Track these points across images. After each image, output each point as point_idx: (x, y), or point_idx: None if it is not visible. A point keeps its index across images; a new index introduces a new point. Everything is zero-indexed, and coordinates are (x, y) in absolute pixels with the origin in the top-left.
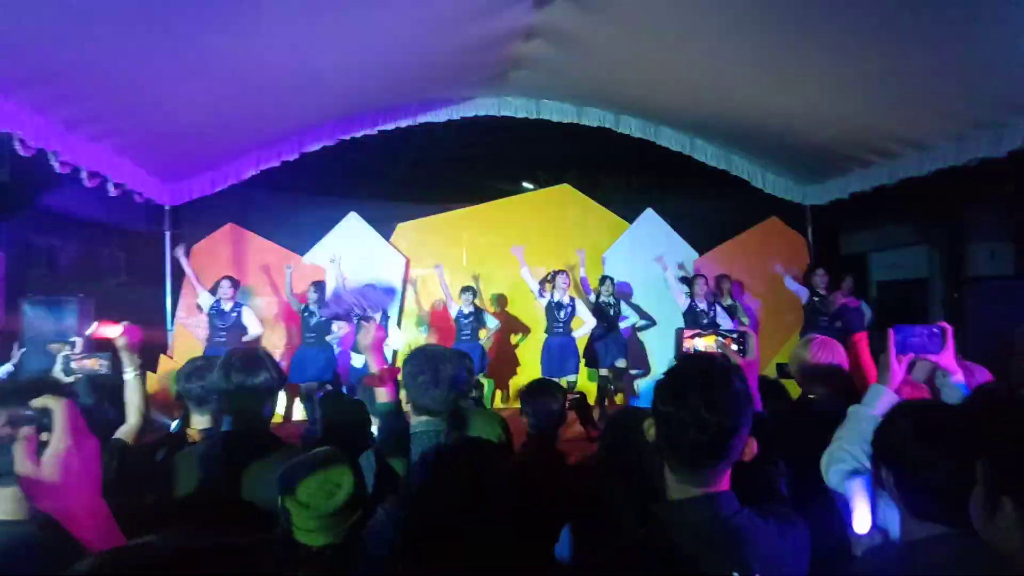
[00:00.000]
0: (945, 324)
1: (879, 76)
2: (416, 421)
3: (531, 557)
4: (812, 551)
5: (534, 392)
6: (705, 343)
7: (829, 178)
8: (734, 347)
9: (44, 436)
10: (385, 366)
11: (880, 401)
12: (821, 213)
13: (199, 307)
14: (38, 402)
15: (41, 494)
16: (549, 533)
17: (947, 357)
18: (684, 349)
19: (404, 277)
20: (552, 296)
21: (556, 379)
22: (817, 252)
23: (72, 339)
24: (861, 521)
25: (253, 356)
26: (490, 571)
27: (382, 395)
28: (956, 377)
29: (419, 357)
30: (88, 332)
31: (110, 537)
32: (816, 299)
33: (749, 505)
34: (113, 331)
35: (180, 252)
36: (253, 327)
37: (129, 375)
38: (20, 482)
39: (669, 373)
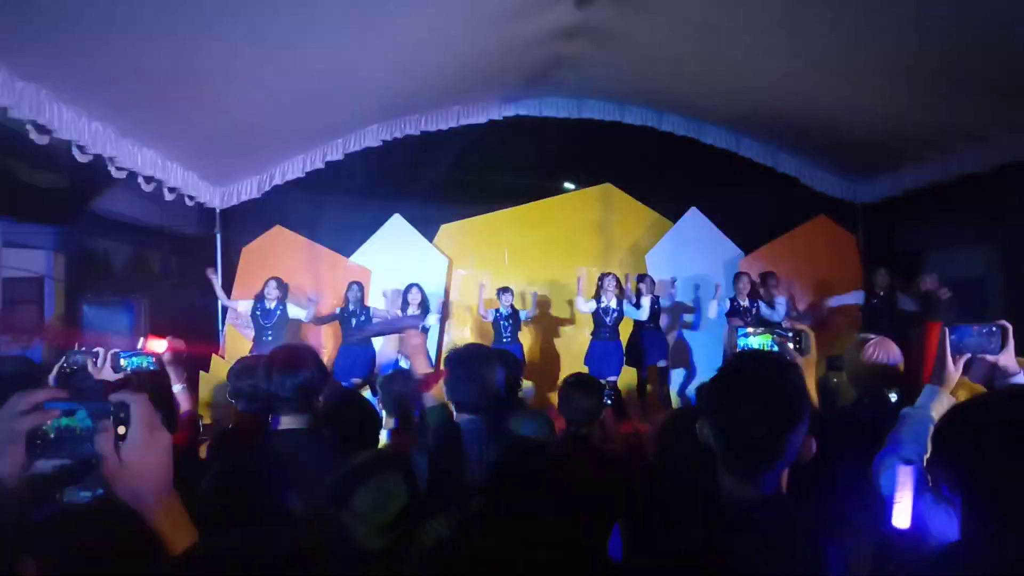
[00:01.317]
0: (1005, 323)
1: (933, 65)
2: (458, 418)
3: (575, 554)
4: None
5: (570, 388)
6: (760, 340)
7: (881, 174)
8: (790, 345)
9: (121, 429)
10: (430, 369)
11: (935, 403)
12: (872, 211)
13: (238, 312)
14: (116, 396)
15: (121, 483)
16: (589, 530)
17: (1006, 357)
18: (738, 347)
19: (447, 278)
20: (600, 300)
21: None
22: (868, 251)
23: (96, 349)
24: (902, 514)
25: (295, 354)
26: (538, 568)
27: (429, 398)
28: (1016, 378)
29: (460, 355)
30: (137, 347)
31: (182, 527)
32: (875, 300)
33: (806, 508)
34: (159, 345)
35: (210, 273)
36: (299, 313)
37: (177, 388)
38: (103, 471)
39: (724, 370)
